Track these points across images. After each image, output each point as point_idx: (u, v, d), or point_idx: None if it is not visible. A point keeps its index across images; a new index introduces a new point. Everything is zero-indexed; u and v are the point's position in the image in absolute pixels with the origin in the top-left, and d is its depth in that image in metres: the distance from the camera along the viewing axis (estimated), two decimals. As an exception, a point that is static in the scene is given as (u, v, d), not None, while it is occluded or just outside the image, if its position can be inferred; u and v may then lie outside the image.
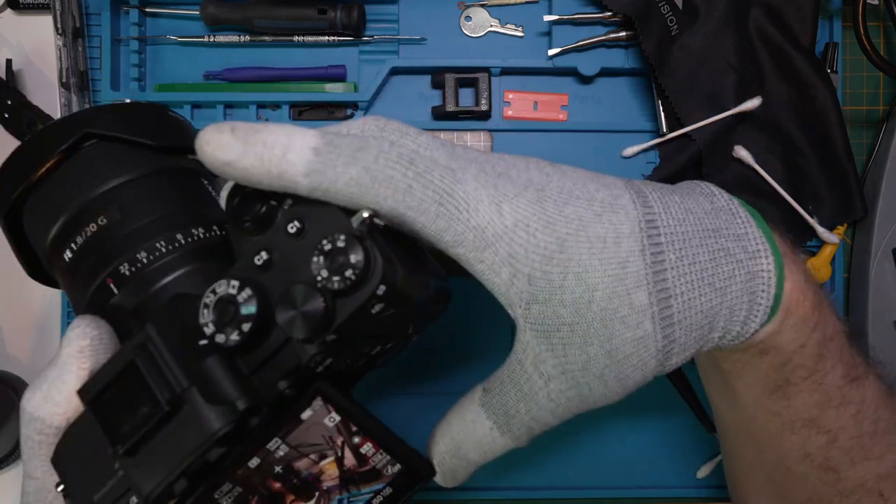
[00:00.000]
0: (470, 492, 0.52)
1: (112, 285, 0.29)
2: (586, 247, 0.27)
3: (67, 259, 0.30)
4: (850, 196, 0.50)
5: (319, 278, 0.25)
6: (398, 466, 0.28)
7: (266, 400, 0.26)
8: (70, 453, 0.27)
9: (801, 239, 0.51)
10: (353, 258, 0.24)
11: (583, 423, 0.52)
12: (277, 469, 0.28)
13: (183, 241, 0.29)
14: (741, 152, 0.50)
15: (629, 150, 0.52)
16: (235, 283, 0.25)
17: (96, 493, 0.26)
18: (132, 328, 0.28)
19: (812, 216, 0.50)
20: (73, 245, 0.29)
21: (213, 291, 0.25)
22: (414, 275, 0.27)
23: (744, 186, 0.51)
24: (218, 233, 0.31)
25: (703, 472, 0.52)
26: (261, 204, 0.26)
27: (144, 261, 0.29)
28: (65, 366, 0.27)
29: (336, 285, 0.24)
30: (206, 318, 0.25)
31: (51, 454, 0.27)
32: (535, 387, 0.27)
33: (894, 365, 0.50)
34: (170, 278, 0.29)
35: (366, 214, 0.25)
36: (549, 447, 0.52)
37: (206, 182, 0.33)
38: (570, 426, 0.52)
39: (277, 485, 0.28)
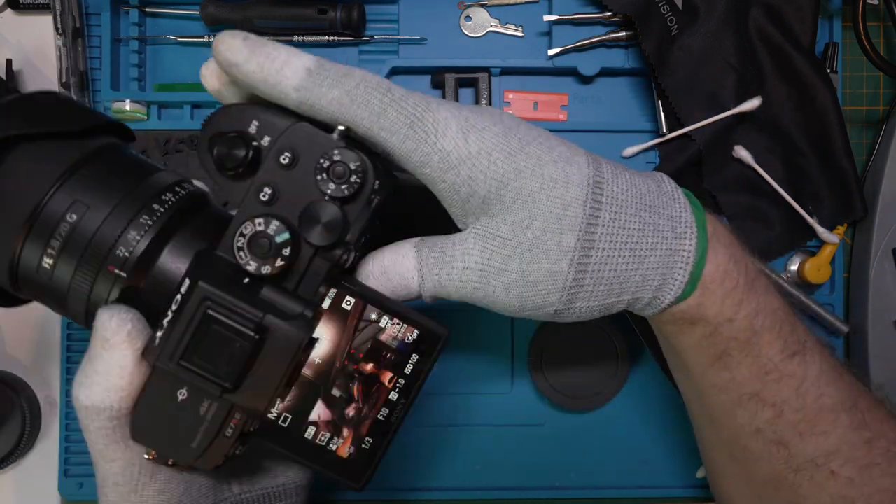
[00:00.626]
0: (470, 491, 0.52)
1: (116, 271, 0.29)
2: (538, 182, 0.30)
3: (48, 266, 0.29)
4: (850, 196, 0.50)
5: (328, 191, 0.29)
6: (416, 332, 0.32)
7: (319, 304, 0.31)
8: (148, 423, 0.30)
9: (801, 239, 0.51)
10: (352, 165, 0.29)
11: (583, 423, 0.52)
12: (363, 352, 0.32)
13: (162, 210, 0.30)
14: (741, 152, 0.50)
15: (629, 150, 0.52)
16: (260, 220, 0.28)
17: (192, 441, 0.30)
18: (154, 302, 0.30)
19: (812, 216, 0.50)
20: (49, 250, 0.29)
21: (242, 234, 0.29)
22: (383, 167, 0.31)
23: (744, 186, 0.51)
24: (181, 192, 0.32)
25: (702, 472, 0.52)
26: (244, 149, 0.29)
27: (139, 238, 0.29)
28: (119, 351, 0.29)
29: (346, 192, 0.29)
30: (245, 258, 0.29)
31: (127, 435, 0.30)
32: (453, 263, 0.32)
33: (894, 365, 0.50)
34: (168, 247, 0.30)
35: (341, 128, 0.29)
36: (550, 448, 0.52)
37: (132, 150, 0.33)
38: (570, 426, 0.52)
39: (369, 366, 0.32)
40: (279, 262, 0.29)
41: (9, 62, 0.52)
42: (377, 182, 0.30)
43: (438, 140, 0.29)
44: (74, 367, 0.51)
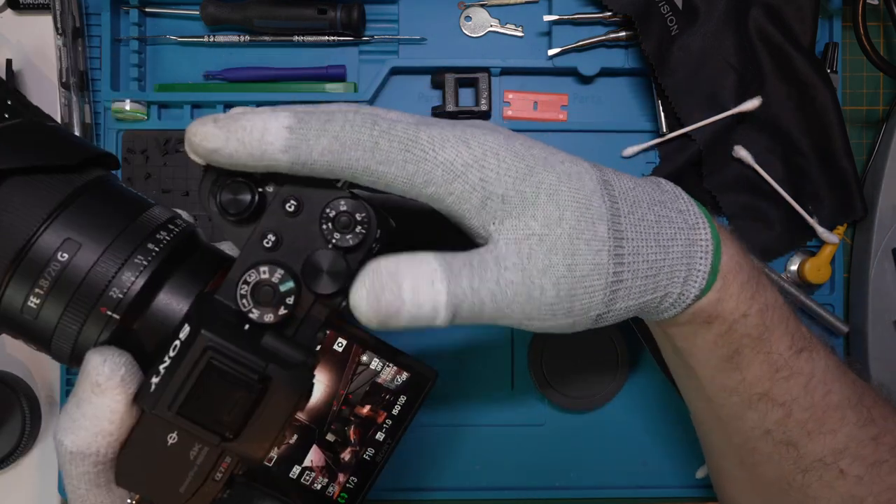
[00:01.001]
0: (470, 491, 0.52)
1: (108, 313, 0.28)
2: (555, 176, 0.30)
3: (34, 306, 0.28)
4: (850, 196, 0.50)
5: (333, 240, 0.29)
6: (406, 375, 0.32)
7: (317, 350, 0.30)
8: (135, 467, 0.29)
9: (801, 239, 0.51)
10: (358, 216, 0.29)
11: (583, 423, 0.52)
12: (361, 395, 0.32)
13: (157, 249, 0.29)
14: (741, 152, 0.50)
15: (629, 150, 0.52)
16: (265, 268, 0.28)
17: (180, 486, 0.29)
18: (147, 344, 0.29)
19: (812, 216, 0.50)
20: (37, 290, 0.28)
21: (246, 282, 0.28)
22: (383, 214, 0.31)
23: (744, 186, 0.51)
24: (175, 230, 0.31)
25: (701, 472, 0.52)
26: (250, 195, 0.28)
27: (133, 279, 0.28)
28: (111, 397, 0.28)
29: (350, 242, 0.29)
30: (248, 305, 0.28)
31: (110, 479, 0.29)
32: (485, 267, 0.29)
33: (894, 365, 0.50)
34: (164, 289, 0.29)
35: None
36: (550, 448, 0.52)
37: (121, 183, 0.32)
38: (570, 426, 0.52)
39: (366, 409, 0.32)
40: (282, 311, 0.28)
41: (9, 62, 0.52)
42: (379, 232, 0.30)
43: (438, 153, 0.28)
44: (74, 368, 0.51)
